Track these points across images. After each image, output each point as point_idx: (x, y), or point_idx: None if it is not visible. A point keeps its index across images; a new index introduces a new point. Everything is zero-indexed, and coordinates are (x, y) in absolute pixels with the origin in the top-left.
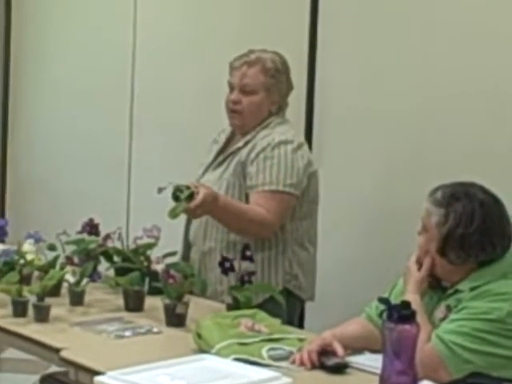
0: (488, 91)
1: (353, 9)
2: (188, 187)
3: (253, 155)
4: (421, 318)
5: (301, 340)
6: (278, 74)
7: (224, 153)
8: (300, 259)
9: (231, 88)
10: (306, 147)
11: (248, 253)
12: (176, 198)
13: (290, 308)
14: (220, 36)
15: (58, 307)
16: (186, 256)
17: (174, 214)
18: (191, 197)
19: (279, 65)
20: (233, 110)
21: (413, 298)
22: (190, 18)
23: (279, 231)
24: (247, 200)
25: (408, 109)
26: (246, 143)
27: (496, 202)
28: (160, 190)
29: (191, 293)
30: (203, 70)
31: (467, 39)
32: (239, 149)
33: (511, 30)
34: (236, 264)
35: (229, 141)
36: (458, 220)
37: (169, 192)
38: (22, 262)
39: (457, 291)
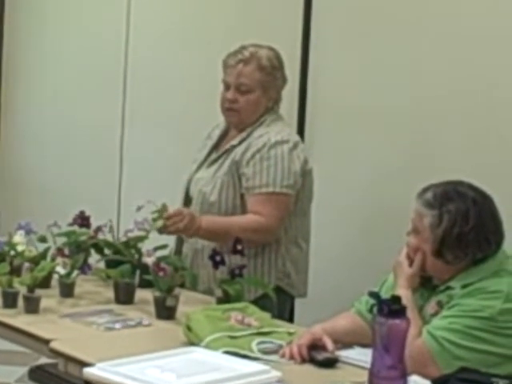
0: (481, 91)
1: (347, 4)
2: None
3: (248, 155)
4: (411, 313)
5: (290, 334)
6: (274, 71)
7: (218, 149)
8: (293, 257)
9: (227, 86)
10: (301, 145)
11: (239, 246)
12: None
13: (281, 305)
14: (213, 31)
15: (48, 299)
16: (178, 250)
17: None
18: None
19: (275, 61)
20: (229, 109)
21: (404, 293)
22: (184, 13)
23: None
24: (242, 200)
25: (401, 106)
26: (241, 141)
27: (486, 198)
28: (139, 208)
29: (183, 286)
30: (196, 65)
31: (460, 38)
32: (234, 147)
33: (504, 28)
34: (227, 257)
35: (223, 137)
36: (453, 220)
37: (149, 206)
38: (12, 253)
39: (448, 288)
